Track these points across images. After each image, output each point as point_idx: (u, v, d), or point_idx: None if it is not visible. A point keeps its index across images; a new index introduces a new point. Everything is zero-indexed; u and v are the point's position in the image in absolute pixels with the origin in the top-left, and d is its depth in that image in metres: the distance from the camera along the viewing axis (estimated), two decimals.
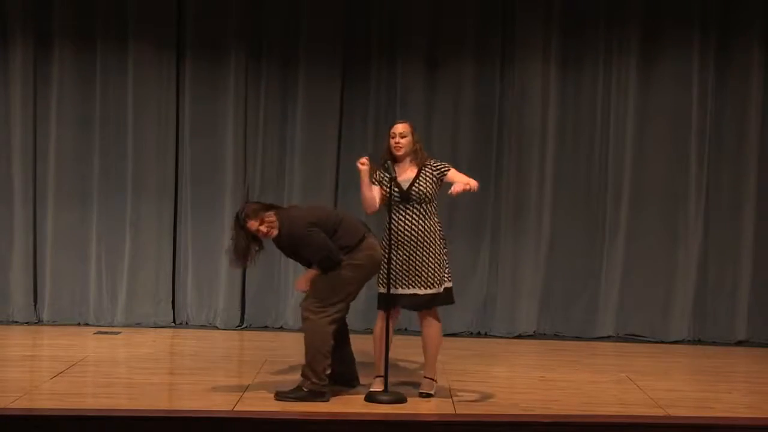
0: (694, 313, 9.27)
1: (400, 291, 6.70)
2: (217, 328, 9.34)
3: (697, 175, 9.25)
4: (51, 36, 9.30)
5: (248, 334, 9.20)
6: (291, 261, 9.27)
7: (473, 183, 6.65)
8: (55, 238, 9.35)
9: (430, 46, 9.35)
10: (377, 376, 6.79)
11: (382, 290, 6.70)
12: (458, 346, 8.63)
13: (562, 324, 9.35)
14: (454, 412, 6.49)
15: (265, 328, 9.38)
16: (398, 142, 6.77)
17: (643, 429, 6.26)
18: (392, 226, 6.70)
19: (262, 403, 6.55)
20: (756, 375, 8.13)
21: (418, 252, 6.69)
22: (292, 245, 6.74)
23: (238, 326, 9.38)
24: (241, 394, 6.78)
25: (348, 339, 7.08)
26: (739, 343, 9.17)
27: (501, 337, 9.23)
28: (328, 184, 9.37)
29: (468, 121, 9.33)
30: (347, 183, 9.29)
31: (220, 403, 6.59)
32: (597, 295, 9.34)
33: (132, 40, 9.29)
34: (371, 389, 6.75)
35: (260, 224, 6.63)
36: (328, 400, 6.58)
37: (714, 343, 9.17)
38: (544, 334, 9.33)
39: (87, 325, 9.30)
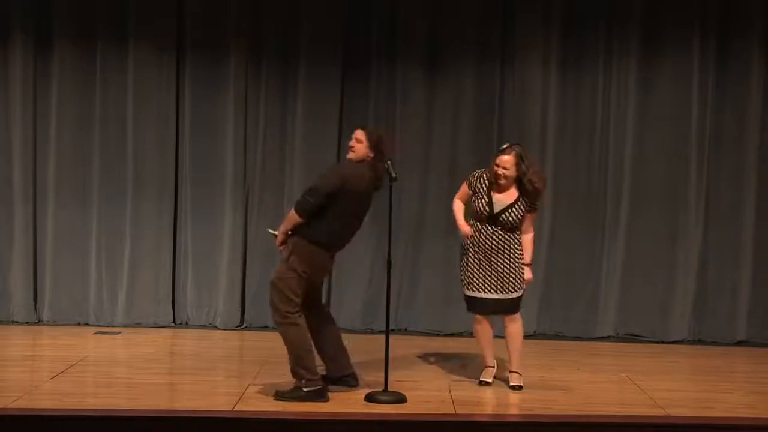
0: (694, 313, 9.26)
1: (493, 296, 7.06)
2: (217, 328, 9.33)
3: (697, 175, 9.25)
4: (51, 36, 9.30)
5: (248, 334, 9.20)
6: None
7: (528, 273, 7.20)
8: (55, 238, 9.35)
9: (430, 46, 9.35)
10: (487, 367, 7.24)
11: (471, 294, 7.09)
12: (458, 346, 8.62)
13: (562, 324, 9.34)
14: (454, 412, 6.49)
15: (265, 328, 9.35)
16: (502, 173, 7.04)
17: (643, 429, 6.27)
18: (479, 237, 7.06)
19: (262, 403, 6.56)
20: (756, 375, 8.13)
21: (500, 261, 7.03)
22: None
23: (238, 326, 9.38)
24: (241, 394, 6.78)
25: (335, 332, 7.05)
26: (739, 343, 9.17)
27: (501, 337, 9.20)
28: None
29: (468, 121, 9.32)
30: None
31: (220, 403, 6.60)
32: (597, 295, 9.34)
33: (132, 40, 9.29)
34: (481, 378, 7.11)
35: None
36: (327, 400, 6.58)
37: (714, 343, 9.16)
38: (544, 334, 9.32)
39: (87, 325, 9.29)
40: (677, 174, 9.27)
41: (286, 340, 6.69)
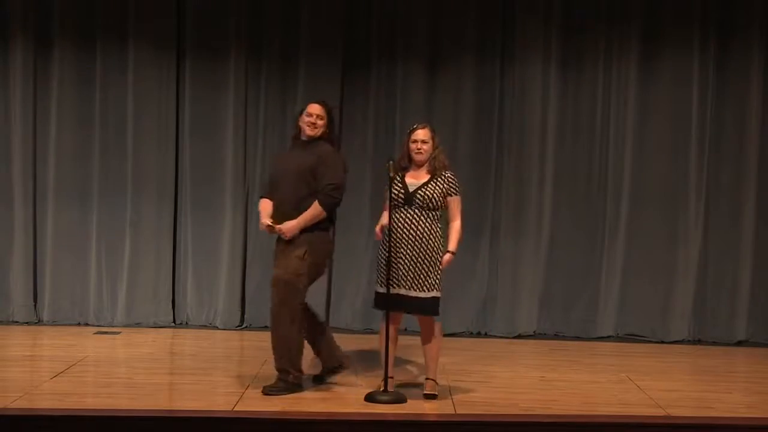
0: (694, 313, 9.27)
1: (402, 292, 6.70)
2: (217, 328, 9.34)
3: (697, 175, 9.25)
4: (51, 36, 9.30)
5: (248, 334, 9.20)
6: None
7: (447, 257, 6.74)
8: (55, 238, 9.35)
9: (430, 46, 9.35)
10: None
11: (382, 290, 6.71)
12: (458, 346, 8.63)
13: (562, 324, 9.35)
14: (454, 412, 6.49)
15: (265, 328, 9.28)
16: (420, 148, 6.81)
17: (643, 429, 6.27)
18: (392, 226, 6.71)
19: (262, 403, 6.56)
20: (756, 375, 8.14)
21: (420, 254, 6.68)
22: (319, 161, 6.82)
23: (238, 326, 9.38)
24: (241, 394, 6.78)
25: (322, 326, 7.15)
26: (739, 343, 9.18)
27: (501, 337, 9.23)
28: None
29: (468, 121, 9.33)
30: (346, 183, 9.30)
31: (220, 403, 6.60)
32: (597, 295, 9.34)
33: (132, 40, 9.29)
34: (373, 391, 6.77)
35: (318, 113, 6.94)
36: (303, 390, 6.74)
37: (714, 343, 9.17)
38: (544, 334, 9.33)
39: (87, 325, 9.29)
40: (677, 174, 9.27)
41: (286, 338, 6.69)
